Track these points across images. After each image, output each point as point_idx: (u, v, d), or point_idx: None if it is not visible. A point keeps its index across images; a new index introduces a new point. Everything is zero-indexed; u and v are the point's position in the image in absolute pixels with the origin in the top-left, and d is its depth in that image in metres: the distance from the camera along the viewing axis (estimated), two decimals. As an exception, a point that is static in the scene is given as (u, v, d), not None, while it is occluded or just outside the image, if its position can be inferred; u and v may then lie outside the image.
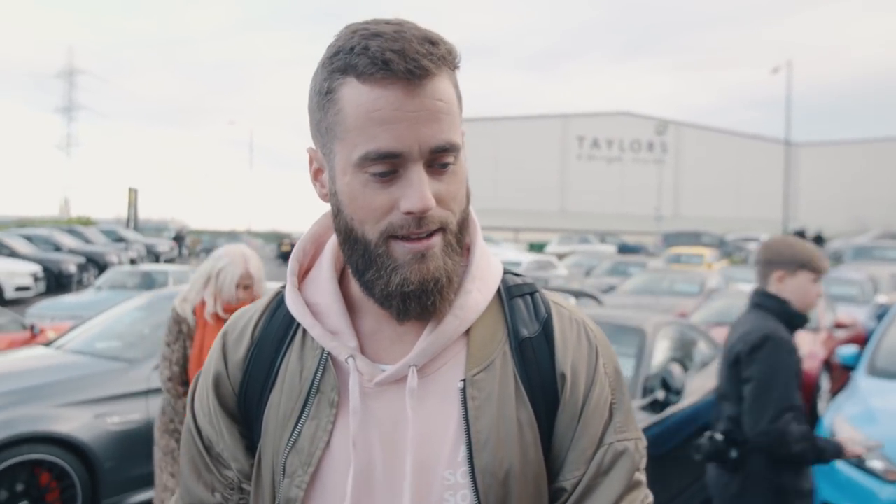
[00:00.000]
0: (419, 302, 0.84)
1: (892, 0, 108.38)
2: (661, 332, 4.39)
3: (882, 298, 10.66)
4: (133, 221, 31.08)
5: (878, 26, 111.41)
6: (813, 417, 6.69)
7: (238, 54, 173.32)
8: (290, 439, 0.89)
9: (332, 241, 0.96)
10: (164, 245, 26.27)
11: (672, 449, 3.66)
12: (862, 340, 7.95)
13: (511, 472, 0.85)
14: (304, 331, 0.93)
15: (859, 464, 3.43)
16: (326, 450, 0.88)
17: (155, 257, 24.38)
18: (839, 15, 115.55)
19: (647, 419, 3.55)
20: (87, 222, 30.17)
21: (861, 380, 4.47)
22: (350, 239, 0.85)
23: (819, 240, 27.09)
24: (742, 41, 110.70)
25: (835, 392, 7.18)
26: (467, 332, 0.90)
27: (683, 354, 4.76)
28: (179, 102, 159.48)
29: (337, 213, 0.86)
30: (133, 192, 31.55)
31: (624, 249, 28.59)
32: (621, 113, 56.11)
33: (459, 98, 0.87)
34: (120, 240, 24.46)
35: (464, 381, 0.87)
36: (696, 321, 7.68)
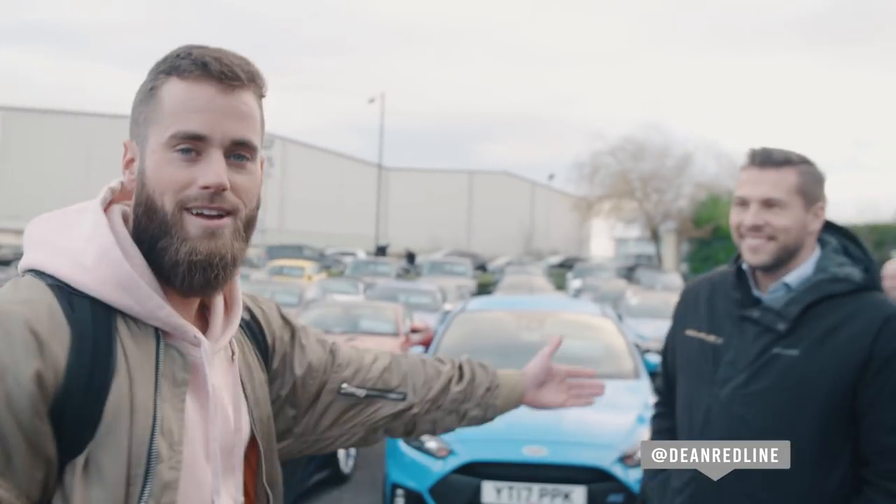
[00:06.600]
0: (204, 273, 0.95)
1: (461, 53, 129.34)
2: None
3: (448, 306, 12.74)
4: None
5: (453, 73, 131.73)
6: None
7: None
8: (153, 425, 0.91)
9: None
10: None
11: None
12: (430, 342, 9.37)
13: (269, 419, 1.13)
14: (121, 316, 0.93)
15: (419, 445, 4.00)
16: (184, 427, 0.94)
17: None
18: (423, 59, 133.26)
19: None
20: None
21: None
22: (150, 210, 0.95)
23: (411, 256, 30.61)
24: (348, 70, 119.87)
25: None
26: None
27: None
28: None
29: (141, 188, 0.96)
30: None
31: (228, 261, 28.18)
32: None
33: (262, 121, 1.02)
34: None
35: (233, 352, 1.08)
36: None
